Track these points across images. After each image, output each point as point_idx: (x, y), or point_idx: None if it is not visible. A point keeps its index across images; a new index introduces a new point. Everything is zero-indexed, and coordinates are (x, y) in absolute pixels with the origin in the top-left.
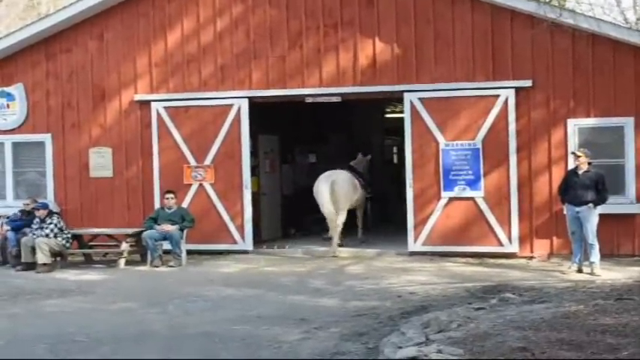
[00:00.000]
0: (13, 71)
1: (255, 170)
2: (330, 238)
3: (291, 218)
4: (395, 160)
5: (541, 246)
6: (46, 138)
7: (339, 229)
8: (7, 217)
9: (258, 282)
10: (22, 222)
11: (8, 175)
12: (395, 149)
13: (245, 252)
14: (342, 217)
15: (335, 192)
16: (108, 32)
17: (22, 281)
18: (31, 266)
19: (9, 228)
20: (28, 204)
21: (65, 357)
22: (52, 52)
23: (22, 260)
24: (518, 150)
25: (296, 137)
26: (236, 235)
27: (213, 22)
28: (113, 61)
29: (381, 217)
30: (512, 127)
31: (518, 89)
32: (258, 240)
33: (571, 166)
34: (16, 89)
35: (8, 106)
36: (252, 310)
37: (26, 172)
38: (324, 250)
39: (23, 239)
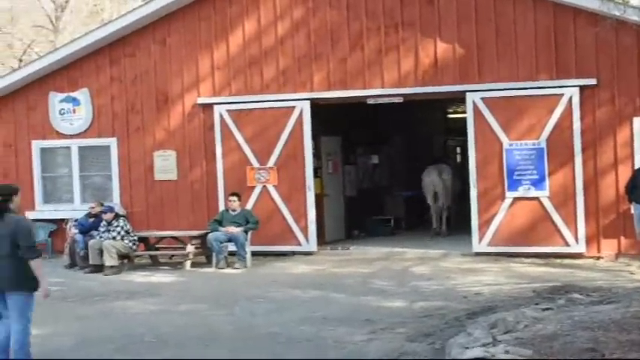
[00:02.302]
0: (78, 76)
1: (317, 172)
2: (437, 234)
3: (354, 220)
4: (458, 160)
5: (608, 246)
6: (112, 142)
7: (445, 214)
8: (75, 220)
9: (323, 283)
10: (89, 225)
11: (75, 178)
12: (458, 150)
13: (309, 253)
14: (448, 202)
15: (442, 180)
16: (170, 36)
17: (91, 283)
18: (99, 268)
19: (77, 231)
20: (93, 207)
21: (135, 357)
22: (116, 57)
23: (90, 262)
24: (584, 149)
25: (358, 138)
26: (300, 237)
27: (274, 25)
28: (176, 65)
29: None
30: (576, 126)
31: (582, 88)
32: (321, 241)
33: (638, 164)
34: (82, 94)
35: (74, 110)
36: (318, 312)
37: (92, 175)
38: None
39: (91, 242)
